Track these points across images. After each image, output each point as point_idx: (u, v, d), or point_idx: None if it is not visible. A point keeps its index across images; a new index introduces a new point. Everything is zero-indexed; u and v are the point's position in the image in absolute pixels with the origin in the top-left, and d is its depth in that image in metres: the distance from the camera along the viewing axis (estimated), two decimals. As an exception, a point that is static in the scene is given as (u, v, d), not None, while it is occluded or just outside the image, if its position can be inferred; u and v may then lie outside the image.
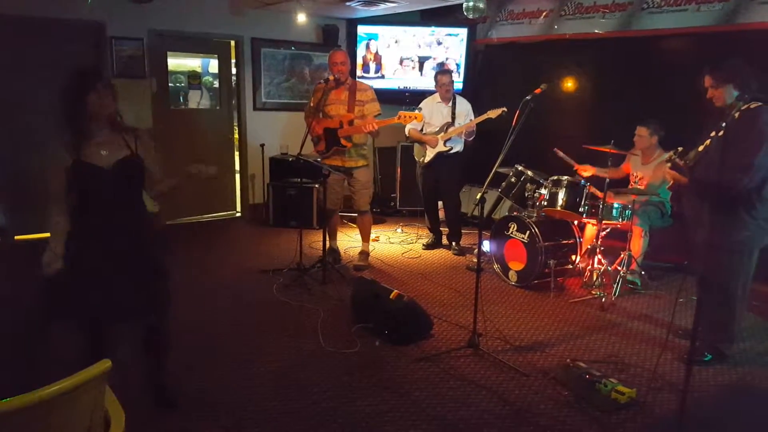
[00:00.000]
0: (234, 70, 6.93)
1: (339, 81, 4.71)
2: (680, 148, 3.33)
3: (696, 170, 3.24)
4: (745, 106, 3.08)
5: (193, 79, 6.76)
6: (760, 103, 3.09)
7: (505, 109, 4.82)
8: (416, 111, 4.93)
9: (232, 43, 6.74)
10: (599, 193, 4.54)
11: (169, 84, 6.50)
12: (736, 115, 3.07)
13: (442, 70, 5.56)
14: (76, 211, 2.51)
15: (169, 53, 6.39)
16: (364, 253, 5.22)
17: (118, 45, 5.91)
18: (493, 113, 4.96)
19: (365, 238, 5.24)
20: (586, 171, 4.84)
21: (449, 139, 5.33)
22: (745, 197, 3.10)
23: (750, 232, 3.16)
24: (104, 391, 1.69)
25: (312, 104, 4.87)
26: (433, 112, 5.45)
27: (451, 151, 5.38)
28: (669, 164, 3.32)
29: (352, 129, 4.73)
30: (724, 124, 2.92)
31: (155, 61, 6.16)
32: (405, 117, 4.67)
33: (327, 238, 4.85)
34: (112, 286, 2.50)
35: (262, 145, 6.69)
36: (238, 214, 7.17)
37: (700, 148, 3.25)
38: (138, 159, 2.57)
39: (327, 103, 4.79)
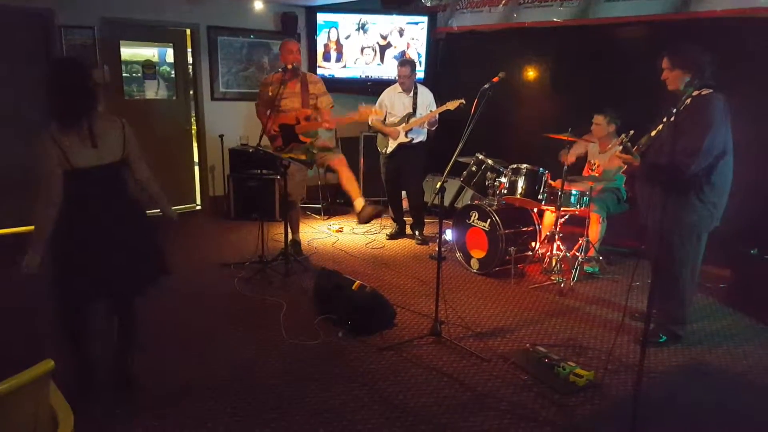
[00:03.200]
0: (191, 59, 6.76)
1: (295, 71, 4.63)
2: (632, 132, 3.40)
3: (647, 155, 3.30)
4: (696, 93, 3.16)
5: (149, 68, 6.57)
6: (711, 90, 3.17)
7: (463, 101, 4.83)
8: (376, 107, 4.89)
9: (188, 31, 6.56)
10: (555, 184, 4.61)
11: (124, 74, 6.31)
12: (688, 101, 3.14)
13: (402, 61, 5.51)
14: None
15: (122, 42, 6.19)
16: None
17: (68, 34, 5.70)
18: (451, 105, 4.97)
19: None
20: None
21: (411, 129, 5.32)
22: (695, 181, 3.18)
23: (699, 215, 3.25)
24: (48, 392, 1.63)
25: (270, 94, 4.70)
26: (394, 102, 5.43)
27: (414, 141, 5.37)
28: (620, 147, 3.37)
29: (309, 125, 4.66)
30: (675, 110, 2.98)
31: (108, 50, 5.96)
32: (364, 113, 4.65)
33: (289, 230, 4.80)
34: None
35: (221, 136, 6.57)
36: (198, 207, 7.02)
37: (653, 134, 3.32)
38: None
39: (282, 96, 4.67)
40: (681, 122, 2.97)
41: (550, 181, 4.67)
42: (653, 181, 3.31)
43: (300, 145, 4.74)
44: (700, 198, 3.21)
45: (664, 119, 3.28)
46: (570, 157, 4.68)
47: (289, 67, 4.59)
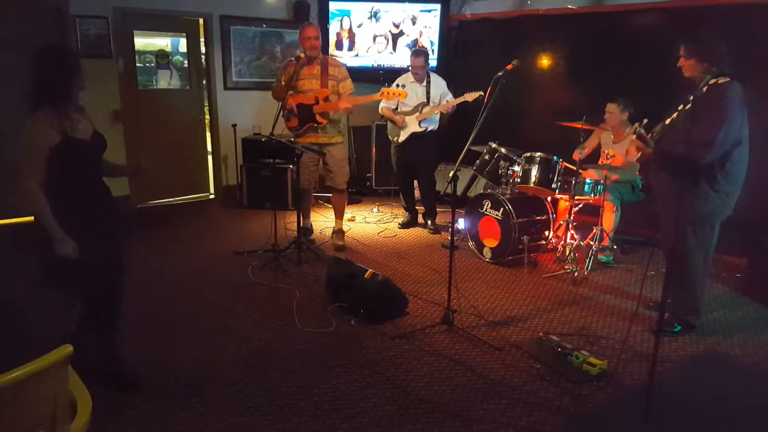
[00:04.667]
0: (203, 49, 6.78)
1: (311, 57, 4.63)
2: (645, 120, 3.35)
3: (661, 143, 3.26)
4: (713, 81, 3.11)
5: (162, 58, 6.60)
6: (727, 79, 3.11)
7: (481, 93, 4.77)
8: (400, 88, 4.86)
9: (201, 21, 6.57)
10: (573, 167, 4.56)
11: (138, 64, 6.34)
12: (704, 89, 3.09)
13: (416, 51, 5.45)
14: (58, 185, 2.51)
15: (135, 32, 6.21)
16: (341, 232, 5.19)
17: (83, 24, 5.74)
18: (470, 96, 4.92)
19: (339, 215, 5.20)
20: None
21: (424, 119, 5.29)
22: (708, 171, 3.14)
23: (712, 205, 3.21)
24: (67, 377, 1.65)
25: (283, 82, 4.74)
26: (407, 92, 5.39)
27: (426, 131, 5.35)
28: (634, 135, 3.33)
29: (328, 105, 4.66)
30: (692, 98, 2.94)
31: (121, 40, 6.00)
32: (387, 93, 4.63)
33: (301, 217, 4.81)
34: (114, 247, 2.79)
35: (234, 126, 6.59)
36: (212, 196, 7.07)
37: (667, 122, 3.28)
38: (101, 134, 2.75)
39: (299, 78, 4.69)
40: (697, 111, 2.93)
41: (564, 164, 4.63)
42: (667, 169, 3.28)
43: (315, 125, 4.74)
44: (714, 187, 3.17)
45: (679, 107, 3.23)
46: (584, 154, 4.66)
47: (302, 55, 4.59)
